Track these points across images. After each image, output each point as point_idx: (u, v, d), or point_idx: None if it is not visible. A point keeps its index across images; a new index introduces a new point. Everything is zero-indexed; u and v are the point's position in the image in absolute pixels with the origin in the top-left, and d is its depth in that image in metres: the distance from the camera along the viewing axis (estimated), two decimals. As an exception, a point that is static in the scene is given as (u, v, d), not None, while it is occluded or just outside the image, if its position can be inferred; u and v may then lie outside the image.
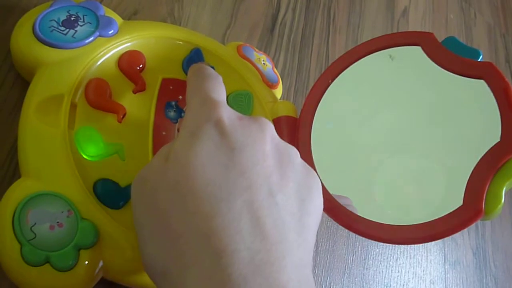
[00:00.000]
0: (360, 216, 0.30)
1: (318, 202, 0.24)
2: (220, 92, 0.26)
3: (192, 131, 0.23)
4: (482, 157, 0.28)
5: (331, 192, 0.32)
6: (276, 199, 0.22)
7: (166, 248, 0.21)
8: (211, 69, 0.28)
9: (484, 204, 0.27)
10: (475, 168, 0.28)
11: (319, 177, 0.30)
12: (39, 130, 0.27)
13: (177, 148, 0.22)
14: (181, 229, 0.21)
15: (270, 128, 0.24)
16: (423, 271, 0.45)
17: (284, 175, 0.23)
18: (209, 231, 0.20)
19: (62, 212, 0.25)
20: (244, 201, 0.21)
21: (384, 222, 0.29)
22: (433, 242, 0.47)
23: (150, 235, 0.22)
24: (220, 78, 0.27)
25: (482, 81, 0.30)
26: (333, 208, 0.31)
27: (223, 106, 0.24)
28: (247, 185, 0.21)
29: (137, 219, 0.23)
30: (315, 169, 0.33)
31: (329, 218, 0.37)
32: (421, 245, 0.46)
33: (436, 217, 0.28)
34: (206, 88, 0.25)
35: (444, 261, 0.47)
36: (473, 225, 0.51)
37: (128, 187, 0.28)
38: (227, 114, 0.24)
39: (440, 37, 0.32)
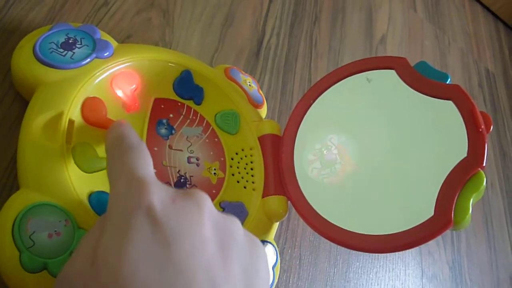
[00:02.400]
0: (338, 226, 0.32)
1: (265, 278, 0.23)
2: (146, 166, 0.23)
3: (120, 223, 0.20)
4: (451, 172, 0.30)
5: (313, 205, 0.34)
6: None
7: None
8: (132, 135, 0.26)
9: (453, 214, 0.29)
10: (444, 181, 0.30)
11: (301, 192, 0.32)
12: (39, 145, 0.28)
13: (105, 248, 0.20)
14: None
15: (208, 204, 0.22)
16: (402, 284, 0.47)
17: (228, 259, 0.21)
18: None
19: (60, 221, 0.26)
20: None
21: (362, 232, 0.31)
22: (411, 256, 0.49)
23: None
24: (143, 145, 0.25)
25: (450, 101, 0.33)
26: (312, 219, 0.33)
27: (152, 186, 0.21)
28: (187, 284, 0.19)
29: None
30: (297, 184, 0.35)
31: (312, 231, 0.39)
32: (399, 259, 0.48)
33: (409, 227, 0.30)
34: (130, 164, 0.23)
35: (422, 275, 0.49)
36: (449, 241, 0.53)
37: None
38: (158, 196, 0.21)
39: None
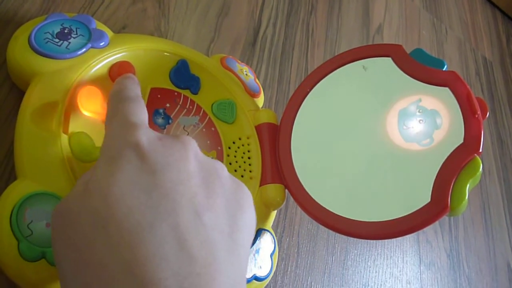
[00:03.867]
0: (336, 214, 0.32)
1: (249, 216, 0.24)
2: (139, 114, 0.25)
3: (110, 157, 0.22)
4: (447, 158, 0.31)
5: (310, 193, 0.34)
6: (203, 219, 0.21)
7: (90, 285, 0.20)
8: (133, 90, 0.28)
9: (450, 200, 0.29)
10: (441, 167, 0.31)
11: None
12: (35, 135, 0.28)
13: (96, 177, 0.21)
14: (105, 262, 0.19)
15: (193, 145, 0.24)
16: (400, 271, 0.47)
17: (211, 193, 0.22)
18: (134, 261, 0.19)
19: (57, 210, 0.27)
20: (168, 225, 0.20)
21: (359, 219, 0.31)
22: (408, 244, 0.49)
23: (73, 273, 0.20)
24: (141, 100, 0.26)
25: (446, 88, 0.33)
26: (310, 207, 0.33)
27: (142, 127, 0.23)
28: (171, 207, 0.20)
29: (58, 257, 0.21)
30: (295, 172, 0.35)
31: (310, 220, 0.39)
32: (397, 247, 0.48)
33: (406, 214, 0.30)
34: (124, 111, 0.25)
35: (420, 262, 0.49)
36: (446, 228, 0.53)
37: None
38: (146, 135, 0.23)
39: (413, 51, 0.35)
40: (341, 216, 0.32)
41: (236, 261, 0.21)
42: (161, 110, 0.35)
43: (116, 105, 0.26)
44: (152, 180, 0.21)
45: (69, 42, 0.32)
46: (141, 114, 0.25)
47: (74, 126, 0.30)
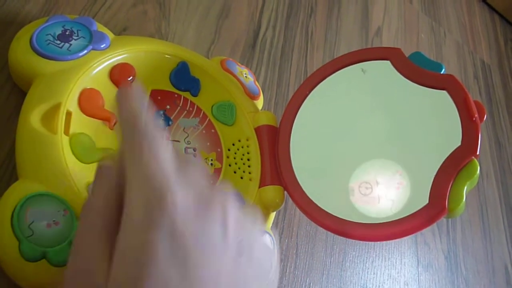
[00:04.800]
0: (334, 215, 0.32)
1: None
2: (166, 160, 0.21)
3: (139, 245, 0.19)
4: (445, 160, 0.31)
5: (309, 195, 0.34)
6: None
7: None
8: (143, 115, 0.22)
9: (448, 202, 0.30)
10: (439, 170, 0.31)
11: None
12: (37, 136, 0.28)
13: (123, 276, 0.19)
14: None
15: (232, 211, 0.21)
16: (398, 273, 0.47)
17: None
18: None
19: (58, 211, 0.27)
20: None
21: (358, 221, 0.32)
22: (406, 246, 0.50)
23: None
24: (158, 130, 0.21)
25: (444, 91, 0.33)
26: (309, 209, 0.33)
27: (175, 192, 0.20)
28: None
29: None
30: (294, 174, 0.35)
31: (309, 221, 0.39)
32: (395, 248, 0.49)
33: (404, 215, 0.30)
34: (150, 163, 0.20)
35: (418, 263, 0.50)
36: (444, 230, 0.54)
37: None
38: (181, 209, 0.20)
39: (411, 54, 0.35)
40: (339, 218, 0.32)
41: None
42: (161, 112, 0.35)
43: (134, 144, 0.21)
44: (184, 274, 0.19)
45: (70, 44, 0.32)
46: (167, 156, 0.21)
47: (75, 127, 0.30)
